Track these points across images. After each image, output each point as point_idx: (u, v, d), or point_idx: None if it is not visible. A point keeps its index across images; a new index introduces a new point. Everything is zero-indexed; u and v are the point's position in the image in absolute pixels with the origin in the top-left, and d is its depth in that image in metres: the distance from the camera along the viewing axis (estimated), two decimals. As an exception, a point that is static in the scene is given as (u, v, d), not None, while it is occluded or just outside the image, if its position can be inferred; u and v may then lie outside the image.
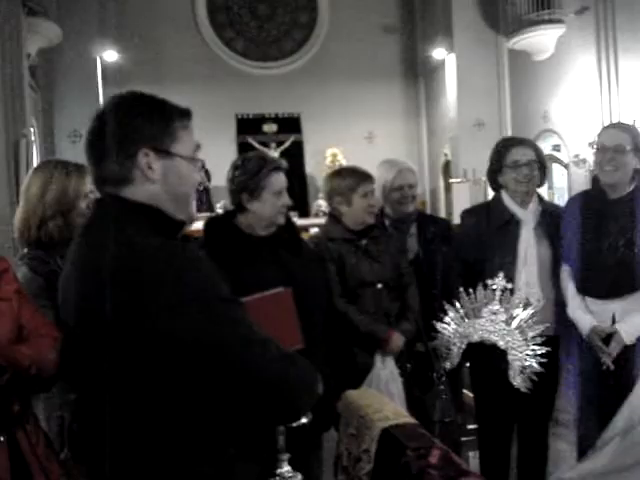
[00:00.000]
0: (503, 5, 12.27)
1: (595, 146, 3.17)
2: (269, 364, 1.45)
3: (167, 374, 1.43)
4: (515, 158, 3.27)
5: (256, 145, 13.00)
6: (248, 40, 13.41)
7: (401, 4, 13.96)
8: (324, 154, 13.27)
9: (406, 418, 2.38)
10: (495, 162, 3.36)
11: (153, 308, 1.40)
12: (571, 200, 3.39)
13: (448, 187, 13.63)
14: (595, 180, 3.26)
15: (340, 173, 3.40)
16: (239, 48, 13.36)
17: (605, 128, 3.30)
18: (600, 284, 3.07)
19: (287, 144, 13.35)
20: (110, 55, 11.68)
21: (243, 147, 12.56)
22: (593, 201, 3.18)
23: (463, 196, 12.96)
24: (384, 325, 3.16)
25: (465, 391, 3.87)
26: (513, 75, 12.70)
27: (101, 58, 11.61)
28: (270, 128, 13.50)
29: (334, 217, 3.31)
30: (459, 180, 12.72)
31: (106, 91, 11.54)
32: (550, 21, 10.97)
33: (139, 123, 1.55)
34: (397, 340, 3.14)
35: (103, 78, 11.63)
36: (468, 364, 3.41)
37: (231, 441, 1.57)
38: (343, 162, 12.82)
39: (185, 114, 1.63)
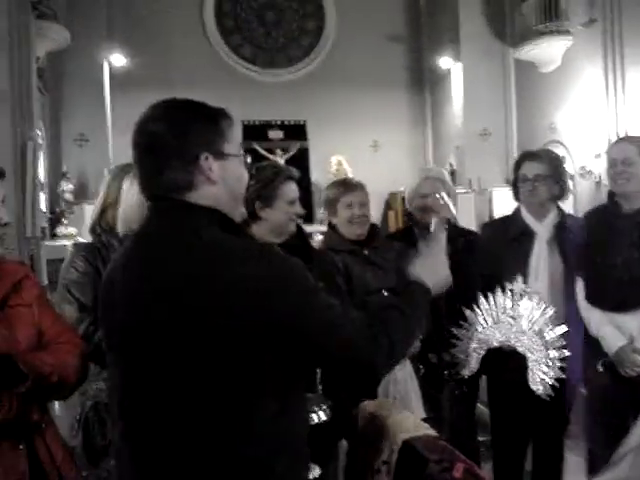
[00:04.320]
0: (511, 15, 12.27)
1: (606, 159, 3.19)
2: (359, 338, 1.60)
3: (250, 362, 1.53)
4: (523, 172, 3.32)
5: (262, 151, 12.97)
6: (255, 46, 13.38)
7: (408, 13, 13.93)
8: (329, 161, 13.24)
9: (427, 430, 2.36)
10: (513, 175, 3.39)
11: (272, 307, 1.49)
12: (587, 214, 3.39)
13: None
14: (610, 194, 3.26)
15: (333, 183, 3.45)
16: (246, 54, 13.34)
17: (615, 142, 3.33)
18: (614, 298, 3.05)
19: (293, 151, 13.33)
20: (118, 59, 11.65)
21: (249, 153, 12.42)
22: (607, 214, 3.18)
23: (468, 206, 12.94)
24: None
25: (478, 404, 3.85)
26: (519, 85, 12.69)
27: (109, 62, 11.58)
28: (276, 135, 13.47)
29: (333, 227, 3.33)
30: (464, 190, 12.67)
31: (113, 95, 11.52)
32: (558, 32, 10.93)
33: (197, 128, 1.60)
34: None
35: (111, 82, 11.61)
36: (485, 376, 3.39)
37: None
38: (348, 169, 12.80)
39: (227, 114, 1.70)
